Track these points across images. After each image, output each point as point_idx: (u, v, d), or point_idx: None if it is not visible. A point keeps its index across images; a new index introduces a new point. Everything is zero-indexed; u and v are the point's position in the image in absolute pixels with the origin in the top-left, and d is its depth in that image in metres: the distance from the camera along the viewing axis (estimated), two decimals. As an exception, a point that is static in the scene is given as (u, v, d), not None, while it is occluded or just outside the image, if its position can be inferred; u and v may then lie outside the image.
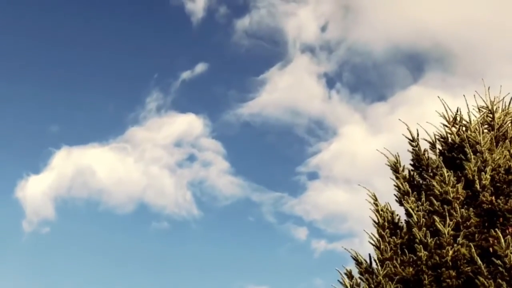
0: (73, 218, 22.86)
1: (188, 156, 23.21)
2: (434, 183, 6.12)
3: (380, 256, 5.92)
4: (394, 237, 5.99)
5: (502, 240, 5.81)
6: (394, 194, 6.45)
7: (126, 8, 25.39)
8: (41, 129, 23.80)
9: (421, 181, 6.58)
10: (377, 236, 6.04)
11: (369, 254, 5.99)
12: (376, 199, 6.37)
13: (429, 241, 5.88)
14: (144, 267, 22.53)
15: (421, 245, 5.89)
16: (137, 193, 22.63)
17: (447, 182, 6.07)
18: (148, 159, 23.08)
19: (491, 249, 6.07)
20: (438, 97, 6.54)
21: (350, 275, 6.03)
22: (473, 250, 5.95)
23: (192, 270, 22.54)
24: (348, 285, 5.84)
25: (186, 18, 23.31)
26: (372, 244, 5.97)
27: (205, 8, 23.16)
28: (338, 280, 5.91)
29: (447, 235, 5.87)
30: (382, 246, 5.89)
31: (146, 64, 25.37)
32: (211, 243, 23.64)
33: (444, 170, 6.16)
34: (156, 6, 25.23)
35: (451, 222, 5.92)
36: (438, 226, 5.88)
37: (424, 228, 5.93)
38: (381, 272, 5.65)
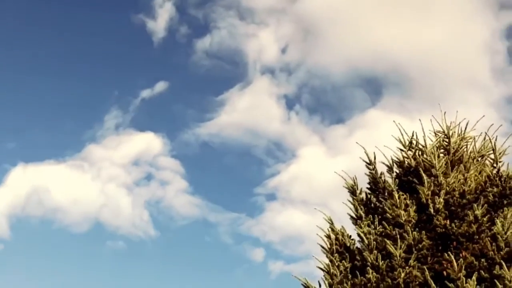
0: (27, 236, 23.02)
1: (146, 175, 23.37)
2: (386, 207, 6.33)
3: (330, 281, 6.10)
4: (344, 261, 6.21)
5: (455, 264, 6.08)
6: (351, 217, 6.66)
7: (87, 24, 25.81)
8: None
9: (377, 204, 6.81)
10: (327, 261, 6.24)
11: (318, 281, 6.17)
12: (332, 223, 6.64)
13: (380, 263, 6.11)
14: (99, 286, 22.69)
15: (372, 269, 6.08)
16: (93, 211, 22.72)
17: (398, 205, 6.32)
18: (105, 177, 23.17)
19: (444, 273, 6.34)
20: (394, 121, 6.80)
21: None
22: (426, 273, 6.19)
23: None
24: None
25: (147, 37, 23.80)
26: (321, 269, 6.17)
27: (166, 28, 23.58)
28: None
29: (398, 258, 6.12)
30: (332, 271, 6.09)
31: (106, 82, 25.59)
32: (168, 263, 23.71)
33: (396, 193, 6.39)
34: (117, 24, 26.03)
35: (403, 245, 6.16)
36: (390, 248, 6.11)
37: (376, 251, 6.15)
38: None
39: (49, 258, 22.93)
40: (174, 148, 23.70)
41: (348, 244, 6.43)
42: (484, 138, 6.96)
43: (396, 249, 6.14)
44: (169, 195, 23.25)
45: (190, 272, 23.52)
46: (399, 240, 6.16)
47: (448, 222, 6.49)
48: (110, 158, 23.23)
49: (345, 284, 5.96)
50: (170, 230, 23.42)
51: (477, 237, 6.40)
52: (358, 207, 6.69)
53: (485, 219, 6.44)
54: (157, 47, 23.73)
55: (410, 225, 6.33)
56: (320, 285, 6.14)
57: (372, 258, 6.08)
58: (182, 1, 23.52)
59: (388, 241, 6.16)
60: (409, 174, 6.90)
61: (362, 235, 6.19)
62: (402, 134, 6.95)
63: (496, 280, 6.09)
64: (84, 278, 21.91)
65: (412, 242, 6.26)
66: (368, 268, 6.09)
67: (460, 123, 6.98)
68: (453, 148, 6.95)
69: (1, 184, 22.52)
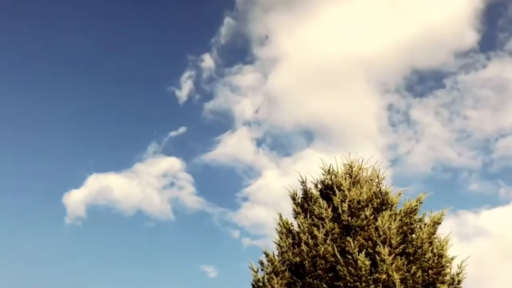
0: (96, 217, 35.78)
1: (170, 182, 36.92)
2: (314, 208, 9.95)
3: (280, 250, 9.54)
4: (288, 238, 9.64)
5: (352, 244, 9.32)
6: (293, 213, 10.22)
7: (140, 92, 40.82)
8: (80, 161, 38.50)
9: (307, 207, 10.37)
10: (278, 238, 9.70)
11: (272, 251, 9.66)
12: (281, 216, 10.09)
13: (310, 241, 9.56)
14: (139, 250, 35.62)
15: (304, 244, 9.58)
16: (136, 203, 35.86)
17: (322, 207, 9.89)
18: (145, 183, 36.53)
19: (347, 248, 9.40)
20: (320, 157, 10.49)
21: (261, 262, 9.63)
22: (335, 248, 9.61)
23: (170, 255, 35.81)
24: (255, 268, 9.49)
25: (176, 100, 38.70)
26: (275, 243, 9.63)
27: (187, 95, 38.20)
28: (249, 267, 9.54)
29: (320, 238, 9.54)
30: (281, 244, 9.53)
31: (150, 126, 40.71)
32: (183, 237, 37.13)
33: (320, 200, 10.02)
34: (158, 92, 40.81)
35: (323, 230, 9.66)
36: (315, 232, 9.60)
37: (307, 234, 9.64)
38: (277, 259, 9.28)
39: (109, 231, 36.47)
40: (188, 167, 37.66)
41: (290, 228, 9.90)
42: (373, 169, 10.73)
43: (318, 233, 9.68)
44: (183, 196, 36.55)
45: (195, 242, 37.05)
46: (321, 227, 9.71)
47: (350, 218, 9.74)
48: (148, 172, 36.59)
49: (288, 252, 9.44)
50: (183, 216, 37.00)
51: (366, 228, 9.56)
52: (296, 207, 10.24)
53: (371, 217, 9.62)
54: (181, 106, 38.72)
55: (327, 219, 9.87)
56: (273, 253, 9.60)
57: (305, 238, 9.60)
58: (197, 79, 38.19)
59: (314, 228, 9.73)
60: (327, 189, 10.36)
61: (299, 223, 9.73)
62: (324, 165, 10.64)
63: (376, 255, 9.13)
64: (131, 243, 35.86)
65: (328, 229, 9.75)
66: (302, 243, 9.57)
67: (359, 159, 10.78)
68: (354, 174, 10.60)
69: (83, 185, 36.09)
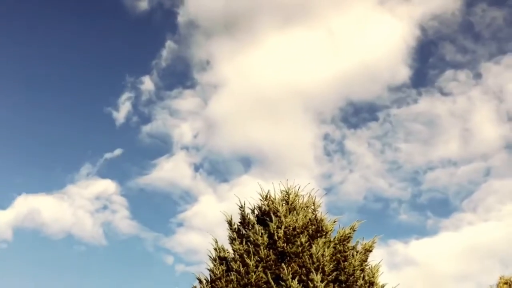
0: (23, 240, 35.36)
1: (103, 205, 36.39)
2: (250, 233, 9.89)
3: (213, 277, 9.38)
4: (221, 265, 9.51)
5: (286, 270, 9.42)
6: (228, 238, 10.10)
7: (77, 113, 40.03)
8: (8, 180, 37.66)
9: (244, 232, 10.32)
10: (211, 265, 9.53)
11: (205, 278, 9.45)
12: (216, 241, 9.97)
13: (241, 269, 9.43)
14: (67, 274, 34.57)
15: (236, 272, 9.43)
16: (67, 226, 35.22)
17: (257, 233, 9.85)
18: (77, 205, 35.76)
19: (281, 275, 9.54)
20: (258, 183, 10.52)
21: None
22: (269, 275, 9.57)
23: (100, 282, 34.75)
24: None
25: (113, 121, 38.09)
26: (208, 269, 9.46)
27: (125, 116, 37.75)
28: None
29: (252, 266, 9.44)
30: (214, 271, 9.38)
31: (83, 146, 40.33)
32: (112, 261, 36.53)
33: (256, 226, 9.99)
34: (94, 113, 40.29)
35: (255, 257, 9.56)
36: (247, 260, 9.51)
37: (239, 262, 9.50)
38: (208, 286, 9.09)
39: (36, 254, 35.09)
40: (123, 190, 37.38)
41: (225, 255, 9.77)
42: (309, 196, 10.89)
43: (250, 260, 9.54)
44: (117, 219, 35.95)
45: (126, 267, 36.65)
46: (253, 255, 9.61)
47: (285, 245, 9.76)
48: (81, 194, 36.09)
49: (222, 279, 9.28)
50: (115, 241, 36.62)
51: (301, 254, 9.58)
52: (232, 233, 10.14)
53: (306, 244, 9.68)
54: (118, 128, 38.09)
55: (263, 246, 9.82)
56: (206, 279, 9.38)
57: (236, 266, 9.48)
58: (136, 101, 37.63)
59: (245, 256, 9.58)
60: (264, 215, 10.41)
61: (234, 249, 9.62)
62: (262, 191, 10.64)
63: (309, 282, 9.21)
64: (58, 269, 34.76)
65: (263, 256, 9.73)
66: (233, 272, 9.44)
67: (295, 186, 10.89)
68: (291, 201, 10.60)
69: (10, 206, 34.68)
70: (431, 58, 41.39)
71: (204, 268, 9.47)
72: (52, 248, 37.64)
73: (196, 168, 39.45)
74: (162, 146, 40.78)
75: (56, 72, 42.15)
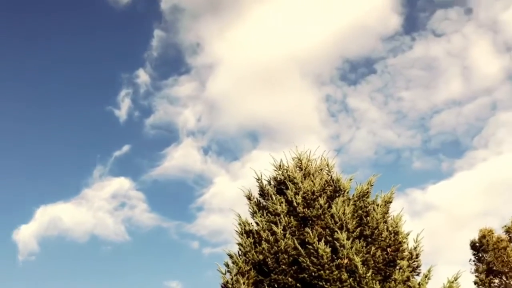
0: (50, 248, 36.03)
1: (121, 203, 37.07)
2: (269, 204, 10.05)
3: (243, 250, 9.58)
4: (248, 238, 9.69)
5: (311, 234, 9.59)
6: (250, 212, 10.27)
7: (80, 113, 40.11)
8: (25, 194, 37.53)
9: (264, 203, 10.48)
10: (239, 239, 9.72)
11: (237, 251, 9.68)
12: (240, 216, 10.13)
13: (270, 238, 9.68)
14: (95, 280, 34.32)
15: (265, 242, 9.67)
16: (89, 229, 36.15)
17: (276, 203, 10.01)
18: (96, 207, 36.66)
19: (306, 239, 9.67)
20: (270, 154, 10.63)
21: (227, 264, 9.61)
22: (295, 241, 9.76)
23: (131, 277, 35.50)
24: (223, 270, 9.45)
25: (115, 119, 38.23)
26: (237, 244, 9.64)
27: (126, 113, 38.25)
28: (217, 270, 9.50)
29: (279, 233, 9.71)
30: (243, 244, 9.57)
31: (93, 148, 40.45)
32: (142, 257, 37.56)
33: (274, 196, 10.14)
34: (96, 112, 40.19)
35: (281, 226, 9.80)
36: (274, 228, 9.73)
37: (267, 231, 9.75)
38: (240, 260, 9.30)
39: (65, 260, 36.06)
40: (138, 185, 37.99)
41: (250, 228, 9.95)
42: (321, 159, 11.02)
43: (277, 228, 9.78)
44: (137, 214, 36.72)
45: (155, 259, 37.57)
46: (278, 223, 9.84)
47: (305, 209, 9.98)
48: (97, 195, 36.45)
49: (251, 251, 9.48)
50: (139, 235, 37.55)
51: (323, 216, 9.81)
52: (253, 207, 10.31)
53: (326, 205, 9.91)
54: (122, 125, 38.35)
55: (283, 214, 10.01)
56: (235, 254, 9.59)
57: (265, 235, 9.70)
58: (134, 95, 37.38)
59: (272, 225, 9.83)
60: (280, 184, 10.61)
61: (258, 221, 9.80)
62: (274, 161, 10.78)
63: (335, 241, 9.39)
64: (88, 270, 35.47)
65: (285, 224, 9.92)
66: (263, 241, 9.65)
67: (306, 152, 10.96)
68: (304, 166, 10.86)
69: (32, 219, 34.50)
70: (419, 1, 40.92)
71: (232, 247, 9.67)
72: (79, 251, 38.67)
73: (205, 151, 40.54)
74: (168, 136, 41.74)
75: (51, 80, 42.34)
